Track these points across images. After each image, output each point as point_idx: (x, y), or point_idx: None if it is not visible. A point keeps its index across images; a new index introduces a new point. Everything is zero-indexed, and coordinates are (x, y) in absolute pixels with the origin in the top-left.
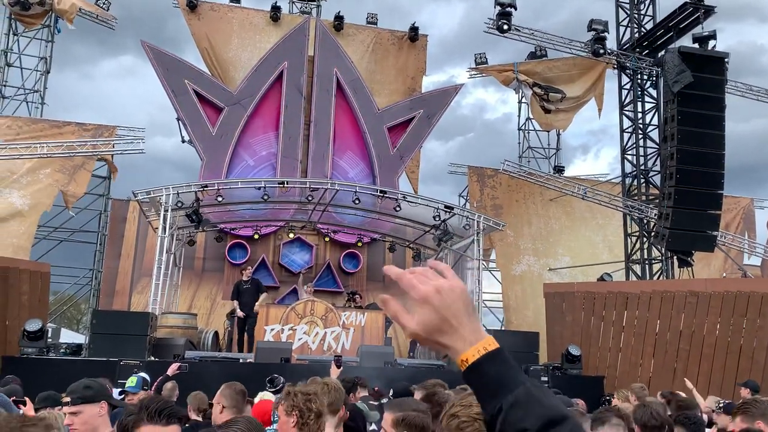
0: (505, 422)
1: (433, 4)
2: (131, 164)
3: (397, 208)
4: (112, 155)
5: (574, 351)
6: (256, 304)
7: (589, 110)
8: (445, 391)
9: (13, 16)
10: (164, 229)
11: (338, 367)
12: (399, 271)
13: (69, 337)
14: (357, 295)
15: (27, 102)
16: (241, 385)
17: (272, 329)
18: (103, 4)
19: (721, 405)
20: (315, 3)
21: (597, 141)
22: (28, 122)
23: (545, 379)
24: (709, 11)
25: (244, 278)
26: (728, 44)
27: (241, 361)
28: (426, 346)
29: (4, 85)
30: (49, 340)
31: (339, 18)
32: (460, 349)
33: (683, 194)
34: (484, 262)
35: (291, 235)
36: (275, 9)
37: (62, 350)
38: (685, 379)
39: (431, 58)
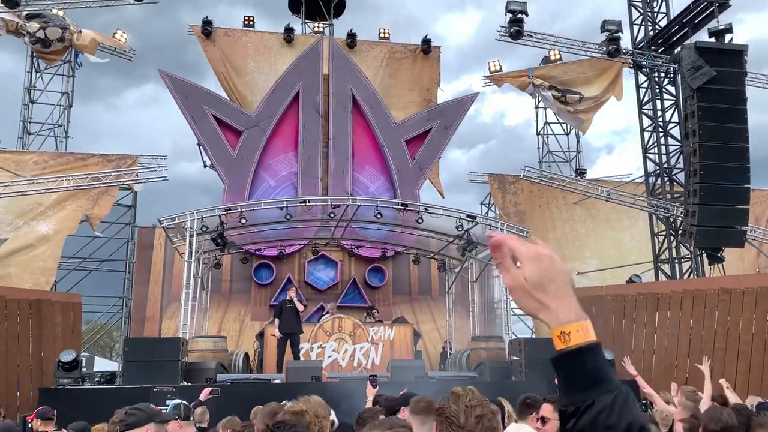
0: (596, 419)
1: (449, 14)
2: (157, 191)
3: (420, 221)
4: (135, 184)
5: (607, 355)
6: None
7: (611, 108)
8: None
9: (35, 54)
10: (190, 253)
11: (374, 386)
12: (503, 235)
13: (103, 365)
14: (375, 310)
15: (54, 137)
16: (275, 404)
17: (302, 348)
18: (121, 36)
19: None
20: (327, 22)
21: (621, 140)
22: (53, 156)
23: None
24: (724, 5)
25: (288, 298)
26: (751, 35)
27: (272, 381)
28: (522, 303)
29: (30, 121)
30: (84, 369)
31: (351, 36)
32: (563, 318)
33: (709, 190)
34: None
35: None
36: (288, 31)
37: (96, 379)
38: (722, 380)
39: (449, 68)
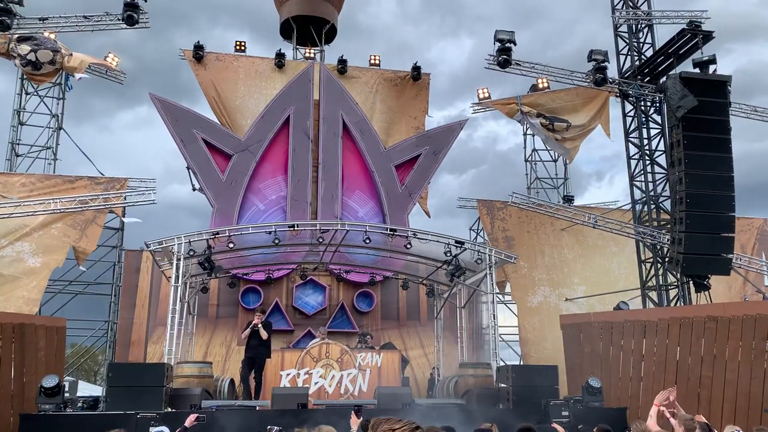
0: None
1: (442, 41)
2: (148, 213)
3: (408, 246)
4: (124, 207)
5: (594, 383)
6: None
7: (601, 137)
8: None
9: (25, 76)
10: (177, 277)
11: (358, 417)
12: None
13: (87, 389)
14: (368, 336)
15: (44, 159)
16: None
17: (288, 374)
18: (112, 59)
19: None
20: (318, 48)
21: (611, 167)
22: (41, 178)
23: (566, 413)
24: (708, 36)
25: (254, 323)
26: (739, 64)
27: (257, 408)
28: None
29: (18, 143)
30: (67, 394)
31: (342, 62)
32: None
33: (695, 218)
34: (500, 296)
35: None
36: (279, 56)
37: (79, 405)
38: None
39: (442, 94)
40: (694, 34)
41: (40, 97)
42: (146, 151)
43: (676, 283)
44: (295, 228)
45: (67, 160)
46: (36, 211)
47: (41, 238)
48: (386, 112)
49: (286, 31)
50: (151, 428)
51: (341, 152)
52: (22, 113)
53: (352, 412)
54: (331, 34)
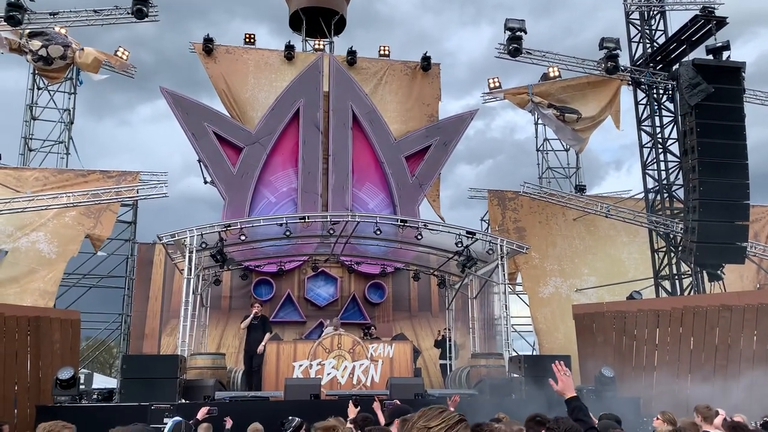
0: None
1: (462, 30)
2: (164, 206)
3: (419, 237)
4: (136, 201)
5: (608, 373)
6: (261, 343)
7: (621, 124)
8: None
9: (37, 72)
10: (190, 270)
11: (356, 407)
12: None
13: (102, 381)
14: (372, 327)
15: (56, 153)
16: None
17: (300, 365)
18: (122, 54)
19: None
20: (328, 40)
21: (631, 155)
22: (54, 173)
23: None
24: (722, 22)
25: (252, 315)
26: (762, 50)
27: (270, 399)
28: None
29: (31, 138)
30: (82, 386)
31: (352, 53)
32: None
33: (708, 206)
34: (510, 286)
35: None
36: (289, 48)
37: (94, 396)
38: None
39: (460, 83)
40: (708, 20)
41: (50, 93)
42: (164, 145)
43: (689, 272)
44: (306, 220)
45: (90, 153)
46: (49, 205)
47: (55, 228)
48: (396, 103)
49: (295, 23)
50: (165, 419)
51: (351, 143)
52: (34, 108)
53: (350, 401)
54: (340, 25)
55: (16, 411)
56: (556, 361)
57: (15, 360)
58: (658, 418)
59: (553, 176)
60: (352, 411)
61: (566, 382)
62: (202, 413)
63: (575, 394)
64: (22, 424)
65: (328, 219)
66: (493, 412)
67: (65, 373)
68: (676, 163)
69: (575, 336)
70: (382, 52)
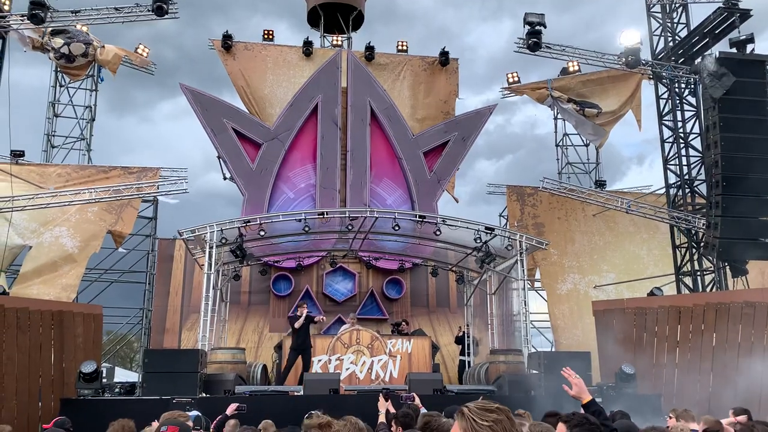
0: None
1: (483, 25)
2: (185, 201)
3: (437, 233)
4: (156, 197)
5: (628, 369)
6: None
7: (643, 119)
8: (441, 419)
9: (59, 69)
10: (210, 265)
11: (386, 400)
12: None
13: (123, 375)
14: (404, 322)
15: (78, 150)
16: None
17: (320, 360)
18: (143, 51)
19: None
20: (346, 36)
21: (653, 149)
22: (76, 169)
23: (600, 400)
24: (745, 14)
25: (304, 316)
26: None
27: (290, 393)
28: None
29: (54, 135)
30: (104, 380)
31: (370, 48)
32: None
33: (731, 202)
34: (529, 283)
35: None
36: (307, 44)
37: (117, 390)
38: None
39: (480, 78)
40: (731, 13)
41: (69, 91)
42: (186, 141)
43: (711, 269)
44: (325, 216)
45: (112, 150)
46: (72, 201)
47: (78, 223)
48: (414, 98)
49: (313, 18)
50: (186, 413)
51: (369, 139)
52: (56, 105)
53: (380, 394)
54: (358, 21)
55: (40, 404)
56: (565, 368)
57: (39, 353)
58: (671, 417)
59: (573, 171)
60: (383, 404)
61: (580, 386)
62: (231, 409)
63: (591, 398)
64: (46, 416)
65: (347, 215)
66: (512, 409)
67: (88, 367)
68: (698, 158)
69: (593, 333)
70: (400, 48)
